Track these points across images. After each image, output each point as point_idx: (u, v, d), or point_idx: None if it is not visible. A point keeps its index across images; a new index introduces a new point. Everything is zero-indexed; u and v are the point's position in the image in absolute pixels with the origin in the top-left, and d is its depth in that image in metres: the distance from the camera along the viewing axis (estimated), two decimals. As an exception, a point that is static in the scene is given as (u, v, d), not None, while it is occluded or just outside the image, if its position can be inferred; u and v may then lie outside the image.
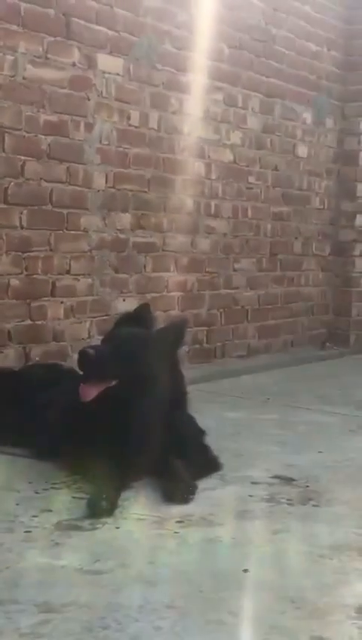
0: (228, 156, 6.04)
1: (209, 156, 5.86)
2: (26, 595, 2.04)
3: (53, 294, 4.74)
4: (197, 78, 5.67)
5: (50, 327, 4.74)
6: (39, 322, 4.67)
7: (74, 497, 2.87)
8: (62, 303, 4.80)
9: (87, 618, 1.93)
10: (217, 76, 5.88)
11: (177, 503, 2.82)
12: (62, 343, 4.80)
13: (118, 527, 2.58)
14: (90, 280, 4.98)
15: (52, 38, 4.60)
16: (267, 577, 2.22)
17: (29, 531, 2.51)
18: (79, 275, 4.91)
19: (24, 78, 4.46)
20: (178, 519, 2.66)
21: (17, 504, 2.78)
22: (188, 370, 3.48)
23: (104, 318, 5.01)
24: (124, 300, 5.17)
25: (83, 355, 3.06)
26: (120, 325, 3.47)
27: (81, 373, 3.11)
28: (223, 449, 3.40)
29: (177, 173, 5.58)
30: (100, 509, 2.69)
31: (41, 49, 4.54)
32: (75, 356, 4.68)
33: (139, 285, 5.33)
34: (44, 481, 3.06)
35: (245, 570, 2.25)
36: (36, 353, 4.61)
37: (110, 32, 4.96)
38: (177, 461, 3.07)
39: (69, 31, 4.69)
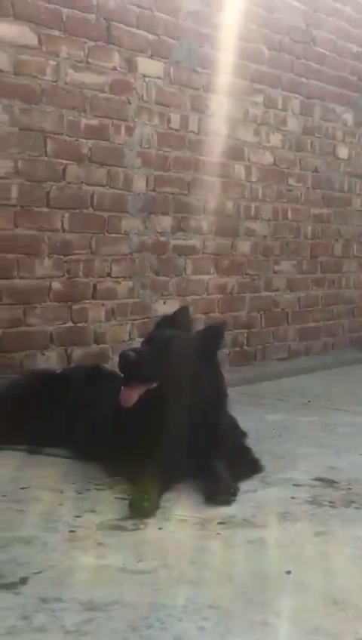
0: (268, 158, 6.04)
1: (249, 158, 5.86)
2: (71, 594, 2.06)
3: (94, 297, 4.78)
4: (237, 80, 5.68)
5: (91, 329, 4.77)
6: (80, 325, 4.71)
7: (116, 498, 2.89)
8: (103, 305, 4.84)
9: (131, 617, 1.94)
10: (257, 78, 5.88)
11: (219, 505, 2.82)
12: (103, 346, 4.84)
13: (160, 528, 2.59)
14: (130, 283, 5.01)
15: (93, 43, 4.64)
16: (310, 579, 2.21)
17: (73, 531, 2.54)
18: (120, 277, 4.94)
19: (66, 83, 4.51)
20: (220, 520, 2.67)
21: (61, 504, 2.81)
22: (229, 373, 3.48)
23: (144, 320, 5.03)
24: (164, 303, 5.19)
25: (124, 357, 3.07)
26: (160, 328, 3.48)
27: (122, 375, 3.12)
28: (264, 451, 3.40)
29: (217, 176, 5.59)
30: (143, 509, 2.70)
31: (82, 54, 4.58)
32: (116, 358, 4.75)
33: (179, 288, 5.35)
34: (87, 482, 3.08)
35: (288, 572, 2.25)
36: (77, 355, 4.65)
37: (150, 36, 4.99)
38: (219, 462, 3.07)
39: (109, 35, 4.73)
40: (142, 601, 2.03)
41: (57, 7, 4.43)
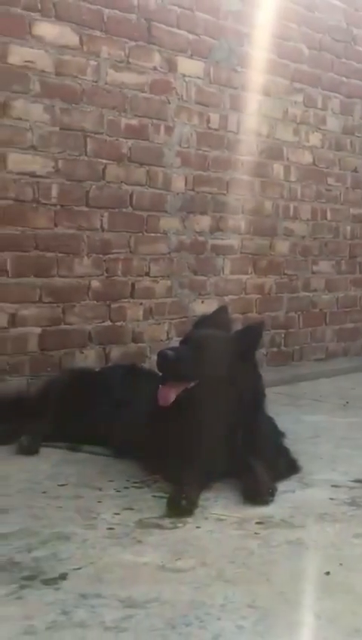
0: (307, 158, 6.01)
1: (288, 158, 5.84)
2: (110, 590, 2.07)
3: (132, 296, 4.80)
4: (277, 79, 5.67)
5: (129, 328, 4.79)
6: (119, 323, 4.73)
7: (154, 496, 2.90)
8: (141, 304, 4.86)
9: (169, 615, 1.95)
10: (297, 77, 5.86)
11: (257, 505, 2.81)
12: (140, 345, 4.86)
13: (198, 527, 2.60)
14: (168, 282, 5.02)
15: (134, 43, 4.66)
16: (349, 580, 2.20)
17: (112, 528, 2.55)
18: (158, 277, 4.95)
19: (106, 83, 4.54)
20: (258, 520, 2.66)
21: (99, 501, 2.83)
22: (266, 373, 3.46)
23: (182, 319, 5.04)
24: (202, 302, 5.20)
25: (162, 356, 3.08)
26: (198, 327, 3.48)
27: (160, 374, 3.13)
28: (302, 452, 3.38)
29: (256, 176, 5.58)
30: (181, 508, 2.71)
31: (122, 54, 4.60)
32: (154, 357, 4.76)
33: (217, 287, 5.35)
34: (125, 480, 3.10)
35: (327, 573, 2.23)
36: (115, 354, 4.68)
37: (191, 36, 4.99)
38: (256, 462, 3.06)
39: (150, 35, 4.75)
40: (180, 599, 2.04)
41: (99, 7, 4.46)
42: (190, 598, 2.04)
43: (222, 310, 3.65)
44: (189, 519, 2.66)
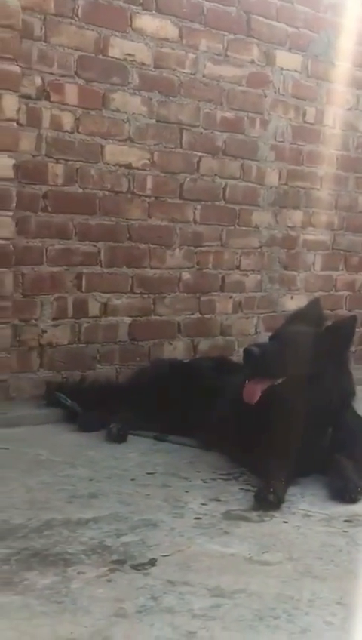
0: None
1: (384, 154, 5.74)
2: (198, 579, 2.09)
3: (222, 289, 4.81)
4: (376, 73, 5.57)
5: (218, 321, 4.81)
6: (208, 316, 4.75)
7: (241, 489, 2.91)
8: (230, 298, 4.86)
9: (257, 607, 1.95)
10: (396, 72, 5.74)
11: (345, 502, 2.79)
12: (228, 338, 4.86)
13: (285, 522, 2.59)
14: (259, 276, 5.01)
15: (232, 36, 4.66)
16: None
17: (199, 518, 2.57)
18: (248, 271, 4.95)
19: (204, 76, 4.55)
20: (346, 518, 2.64)
21: (186, 491, 2.85)
22: (356, 371, 3.42)
23: (271, 314, 5.03)
24: (291, 298, 5.17)
25: (248, 353, 3.07)
26: (290, 322, 3.46)
27: (246, 370, 3.12)
28: (391, 451, 3.32)
29: (351, 171, 5.51)
30: (268, 502, 2.70)
31: (221, 47, 4.61)
32: (241, 351, 4.77)
33: (307, 283, 5.31)
34: (212, 471, 3.11)
35: None
36: (203, 347, 4.70)
37: (290, 29, 4.96)
38: (344, 460, 3.04)
39: (249, 28, 4.74)
40: (268, 592, 2.04)
41: (199, 0, 4.47)
42: (277, 592, 2.05)
43: (315, 304, 3.61)
44: (276, 513, 2.65)
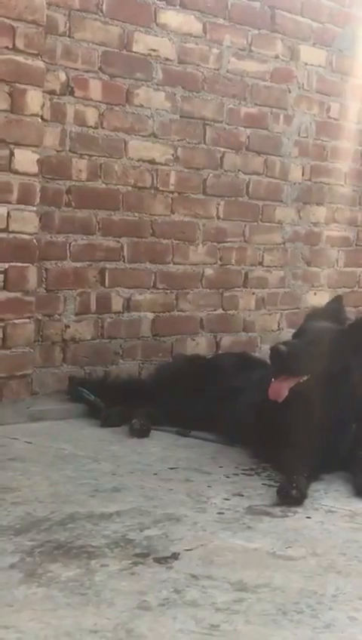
0: None
1: None
2: (221, 573, 2.09)
3: (245, 285, 4.80)
4: None
5: (240, 317, 4.80)
6: (230, 312, 4.74)
7: (264, 484, 2.90)
8: (253, 294, 4.85)
9: (280, 601, 1.94)
10: None
11: (369, 499, 2.78)
12: (251, 334, 4.85)
13: (308, 517, 2.58)
14: (282, 272, 5.00)
15: (257, 31, 4.65)
16: None
17: (222, 513, 2.57)
18: (271, 267, 4.93)
19: (227, 71, 4.54)
20: (370, 515, 2.63)
21: (209, 486, 2.85)
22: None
23: (294, 311, 5.01)
24: (314, 294, 5.15)
25: (275, 351, 3.06)
26: (311, 319, 3.45)
27: (273, 369, 3.11)
28: None
29: (375, 167, 5.48)
30: (291, 497, 2.69)
31: (245, 42, 4.60)
32: (264, 347, 4.76)
33: (330, 279, 5.29)
34: (234, 467, 3.11)
35: None
36: (226, 342, 4.69)
37: (314, 24, 4.94)
38: (369, 457, 3.03)
39: (273, 23, 4.73)
40: (291, 587, 2.03)
41: (223, -5, 4.47)
42: (301, 586, 2.04)
43: (336, 301, 3.61)
44: (299, 509, 2.65)
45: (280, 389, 3.02)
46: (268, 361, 3.16)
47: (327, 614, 1.89)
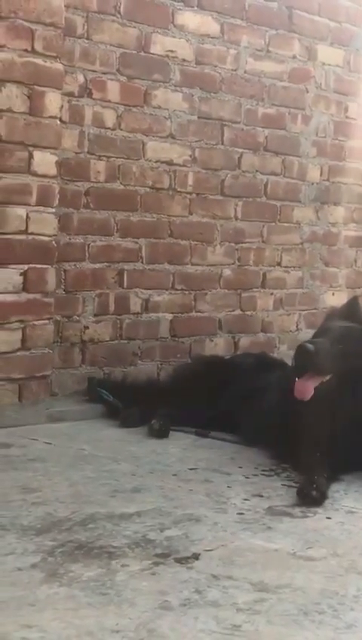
0: None
1: None
2: (242, 573, 2.09)
3: (263, 286, 4.80)
4: None
5: (259, 318, 4.79)
6: (249, 313, 4.74)
7: (283, 485, 2.90)
8: (271, 294, 4.85)
9: (301, 601, 1.94)
10: None
11: (390, 500, 2.77)
12: (270, 335, 4.85)
13: (328, 518, 2.58)
14: (300, 273, 4.99)
15: (274, 31, 4.64)
16: None
17: (242, 513, 2.56)
18: (290, 267, 4.93)
19: (245, 72, 4.55)
20: (390, 515, 2.62)
21: (229, 487, 2.85)
22: None
23: (312, 311, 5.00)
24: (333, 294, 5.14)
25: (302, 349, 3.06)
26: (330, 320, 3.44)
27: (298, 367, 3.10)
28: None
29: (394, 167, 5.46)
30: (311, 498, 2.69)
31: (262, 42, 4.60)
32: (282, 348, 4.76)
33: (349, 280, 5.27)
34: (254, 467, 3.11)
35: None
36: (244, 343, 4.69)
37: (332, 24, 4.93)
38: (390, 457, 3.02)
39: (291, 23, 4.72)
40: (312, 587, 2.03)
41: (241, -5, 4.47)
42: (322, 587, 2.03)
43: (354, 302, 3.59)
44: (319, 509, 2.64)
45: (306, 387, 3.01)
46: (291, 360, 3.15)
47: (349, 615, 1.89)
